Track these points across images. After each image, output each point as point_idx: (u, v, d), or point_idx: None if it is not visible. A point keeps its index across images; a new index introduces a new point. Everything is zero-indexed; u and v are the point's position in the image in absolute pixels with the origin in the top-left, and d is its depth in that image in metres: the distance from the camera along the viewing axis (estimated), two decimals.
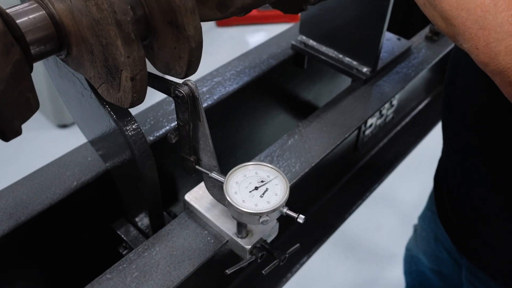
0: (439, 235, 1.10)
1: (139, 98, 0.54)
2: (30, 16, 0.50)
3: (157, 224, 0.73)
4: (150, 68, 0.53)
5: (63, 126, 2.47)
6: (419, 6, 0.54)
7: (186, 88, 0.53)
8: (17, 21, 0.49)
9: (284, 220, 0.68)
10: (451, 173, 0.85)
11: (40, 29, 0.51)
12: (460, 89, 0.76)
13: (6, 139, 0.49)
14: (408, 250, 1.35)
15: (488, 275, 0.84)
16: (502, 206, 0.73)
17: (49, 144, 2.34)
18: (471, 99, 0.73)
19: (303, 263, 0.94)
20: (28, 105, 0.49)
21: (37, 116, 2.53)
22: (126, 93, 0.53)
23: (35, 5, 0.51)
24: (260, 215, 0.55)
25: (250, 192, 0.57)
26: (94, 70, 0.55)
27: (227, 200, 0.56)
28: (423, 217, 1.21)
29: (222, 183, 0.58)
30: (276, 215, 0.57)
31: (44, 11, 0.51)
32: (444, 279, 1.17)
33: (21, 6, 0.51)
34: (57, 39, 0.52)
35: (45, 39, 0.51)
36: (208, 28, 3.32)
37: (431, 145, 1.83)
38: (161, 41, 0.56)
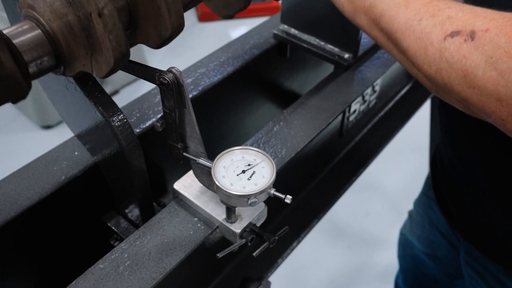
0: (433, 219, 1.12)
1: (119, 44, 0.51)
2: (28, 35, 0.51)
3: (147, 215, 0.73)
4: (133, 55, 0.53)
5: (47, 127, 2.45)
6: (438, 95, 0.56)
7: (170, 75, 0.54)
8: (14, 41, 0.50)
9: (272, 206, 0.70)
10: (446, 158, 0.87)
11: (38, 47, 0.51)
12: None
13: None
14: (403, 234, 1.37)
15: (486, 256, 0.86)
16: (493, 191, 0.75)
17: (33, 146, 2.32)
18: None
19: (293, 248, 0.95)
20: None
21: (20, 118, 2.50)
22: (105, 43, 0.51)
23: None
24: (248, 197, 0.56)
25: (237, 175, 0.58)
26: (81, 48, 0.54)
27: (216, 184, 0.57)
28: (418, 202, 1.23)
29: (210, 168, 0.59)
30: (264, 196, 0.58)
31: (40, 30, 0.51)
32: (439, 262, 1.19)
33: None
34: (52, 50, 0.52)
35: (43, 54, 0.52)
36: (191, 23, 3.31)
37: (414, 131, 1.86)
38: (146, 17, 0.56)
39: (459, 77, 0.48)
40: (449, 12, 0.50)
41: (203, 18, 3.31)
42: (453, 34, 0.48)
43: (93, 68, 0.57)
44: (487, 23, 0.47)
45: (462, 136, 0.78)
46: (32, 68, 0.52)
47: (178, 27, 0.55)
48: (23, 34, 0.51)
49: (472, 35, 0.47)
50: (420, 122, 1.69)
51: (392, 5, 0.55)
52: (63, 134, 0.79)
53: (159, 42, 0.57)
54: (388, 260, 1.89)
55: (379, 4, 0.57)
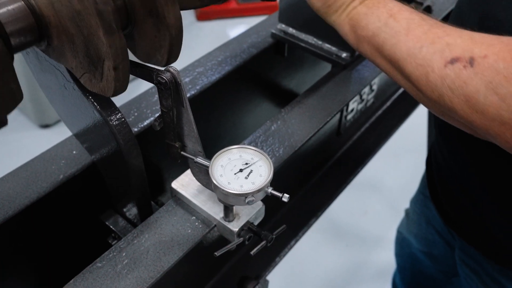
0: (430, 218, 1.13)
1: (122, 87, 0.55)
2: (9, 7, 0.51)
3: (145, 213, 0.74)
4: (132, 55, 0.53)
5: (45, 126, 2.44)
6: (444, 119, 0.57)
7: (168, 74, 0.54)
8: None
9: (270, 205, 0.70)
10: (441, 158, 0.87)
11: (20, 20, 0.51)
12: None
13: None
14: (400, 232, 1.37)
15: (481, 254, 0.86)
16: (487, 190, 0.76)
17: (32, 145, 2.32)
18: None
19: (291, 246, 0.96)
20: (12, 95, 0.49)
21: (18, 117, 2.50)
22: (109, 82, 0.54)
23: None
24: (245, 195, 0.56)
25: (235, 174, 0.58)
26: (76, 60, 0.55)
27: (213, 183, 0.57)
28: (415, 201, 1.23)
29: (207, 167, 0.59)
30: (261, 195, 0.58)
31: (23, 2, 0.51)
32: (435, 261, 1.20)
33: None
34: (37, 30, 0.53)
35: (25, 29, 0.51)
36: (189, 22, 3.31)
37: (412, 130, 1.87)
38: (141, 30, 0.57)
39: (461, 102, 0.49)
40: (448, 39, 0.52)
41: (201, 17, 3.31)
42: (453, 60, 0.50)
43: (82, 80, 0.57)
44: (485, 50, 0.48)
45: (455, 137, 0.79)
46: (14, 41, 0.51)
47: (171, 62, 0.57)
48: (5, 6, 0.50)
49: (471, 62, 0.48)
50: (418, 120, 1.69)
51: (392, 33, 0.57)
52: (61, 133, 0.79)
53: (147, 62, 0.58)
54: (386, 258, 1.89)
55: (381, 33, 0.58)
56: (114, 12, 0.50)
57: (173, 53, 0.56)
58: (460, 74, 0.49)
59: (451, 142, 0.81)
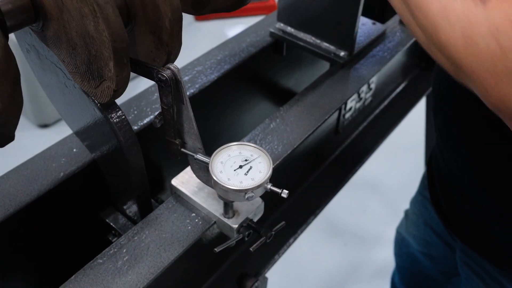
0: (428, 220, 1.13)
1: (115, 99, 0.55)
2: None
3: (145, 211, 0.74)
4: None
5: (44, 126, 2.44)
6: (419, 41, 0.51)
7: (168, 71, 0.54)
8: None
9: (269, 203, 0.70)
10: (441, 159, 0.87)
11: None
12: (449, 77, 0.77)
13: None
14: (399, 233, 1.37)
15: (481, 256, 0.86)
16: (489, 194, 0.76)
17: (30, 145, 2.31)
18: (459, 87, 0.74)
19: (290, 244, 0.96)
20: (17, 104, 0.49)
21: None
22: (104, 95, 0.55)
23: None
24: (245, 191, 0.57)
25: (235, 170, 0.59)
26: (71, 60, 0.55)
27: (213, 179, 0.58)
28: (414, 202, 1.23)
29: (207, 164, 0.60)
30: (261, 191, 0.59)
31: None
32: (435, 261, 1.20)
33: None
34: (32, 10, 0.52)
35: (19, 8, 0.51)
36: (187, 23, 3.31)
37: (410, 129, 1.88)
38: (140, 38, 0.57)
39: (458, 41, 0.44)
40: None
41: (199, 17, 3.31)
42: None
43: (72, 75, 0.58)
44: None
45: (457, 139, 0.78)
46: (9, 22, 0.51)
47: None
48: None
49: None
50: (417, 120, 1.70)
51: None
52: (60, 133, 0.79)
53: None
54: (384, 257, 1.90)
55: None
56: (128, 48, 0.50)
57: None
58: (467, 11, 0.42)
59: (452, 147, 0.81)
